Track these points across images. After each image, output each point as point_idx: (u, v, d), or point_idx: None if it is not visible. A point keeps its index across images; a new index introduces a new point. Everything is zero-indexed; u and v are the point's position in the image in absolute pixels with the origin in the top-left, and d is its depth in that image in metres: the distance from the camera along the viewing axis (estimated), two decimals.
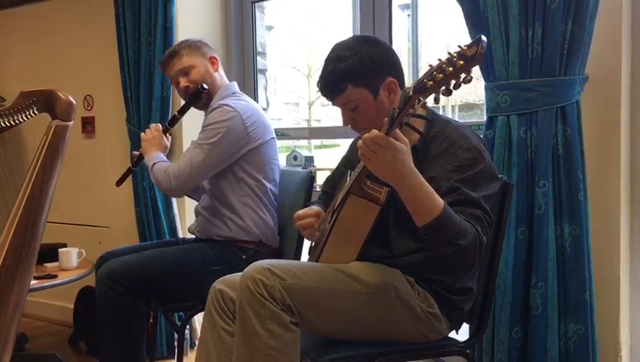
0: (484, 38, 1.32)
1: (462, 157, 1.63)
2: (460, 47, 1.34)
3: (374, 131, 1.49)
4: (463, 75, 1.34)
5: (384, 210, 1.66)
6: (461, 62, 1.32)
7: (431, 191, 1.53)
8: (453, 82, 1.35)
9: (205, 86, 2.44)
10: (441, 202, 1.53)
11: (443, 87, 1.37)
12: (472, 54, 1.31)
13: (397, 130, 1.49)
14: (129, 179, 3.13)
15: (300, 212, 1.90)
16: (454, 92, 1.38)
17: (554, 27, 1.96)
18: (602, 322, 2.06)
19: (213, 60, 2.51)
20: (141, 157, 2.53)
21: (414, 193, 1.53)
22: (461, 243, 1.52)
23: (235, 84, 2.57)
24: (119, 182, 2.62)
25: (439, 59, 1.37)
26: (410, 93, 1.41)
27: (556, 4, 1.94)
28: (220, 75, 2.53)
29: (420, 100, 1.42)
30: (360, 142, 1.52)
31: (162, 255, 2.35)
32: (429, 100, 1.43)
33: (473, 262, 1.59)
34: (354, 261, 1.72)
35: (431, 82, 1.36)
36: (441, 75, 1.34)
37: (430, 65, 1.38)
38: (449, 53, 1.36)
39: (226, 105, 2.34)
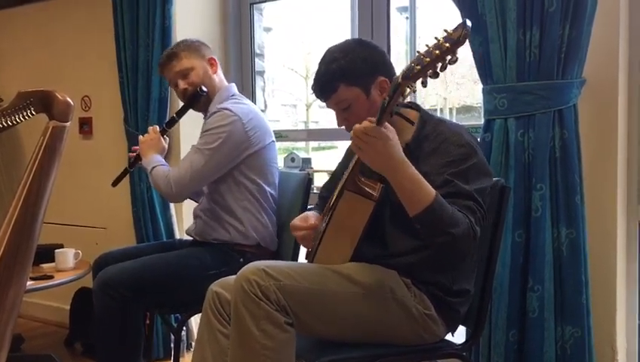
0: (468, 22, 1.39)
1: (454, 152, 1.66)
2: (445, 30, 1.40)
3: (365, 122, 1.54)
4: (448, 57, 1.39)
5: (379, 207, 1.67)
6: (447, 45, 1.38)
7: (422, 181, 1.57)
8: (439, 64, 1.40)
9: (204, 88, 2.42)
10: (432, 191, 1.56)
11: (430, 70, 1.41)
12: (458, 36, 1.38)
13: (386, 122, 1.53)
14: (126, 179, 3.12)
15: (297, 223, 1.90)
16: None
17: (552, 31, 1.96)
18: (599, 325, 2.06)
19: (212, 62, 2.49)
20: (138, 158, 2.51)
21: (406, 182, 1.56)
22: (454, 231, 1.54)
23: (233, 85, 2.56)
24: (115, 183, 2.60)
25: (427, 45, 1.42)
26: (400, 79, 1.45)
27: (554, 7, 1.95)
28: (219, 77, 2.51)
29: (410, 87, 1.46)
30: (351, 132, 1.56)
31: (160, 262, 2.32)
32: (417, 85, 1.46)
33: (467, 252, 1.62)
34: (349, 261, 1.72)
35: (418, 66, 1.41)
36: (428, 59, 1.40)
37: (418, 52, 1.43)
38: (436, 38, 1.41)
39: (227, 109, 2.32)
